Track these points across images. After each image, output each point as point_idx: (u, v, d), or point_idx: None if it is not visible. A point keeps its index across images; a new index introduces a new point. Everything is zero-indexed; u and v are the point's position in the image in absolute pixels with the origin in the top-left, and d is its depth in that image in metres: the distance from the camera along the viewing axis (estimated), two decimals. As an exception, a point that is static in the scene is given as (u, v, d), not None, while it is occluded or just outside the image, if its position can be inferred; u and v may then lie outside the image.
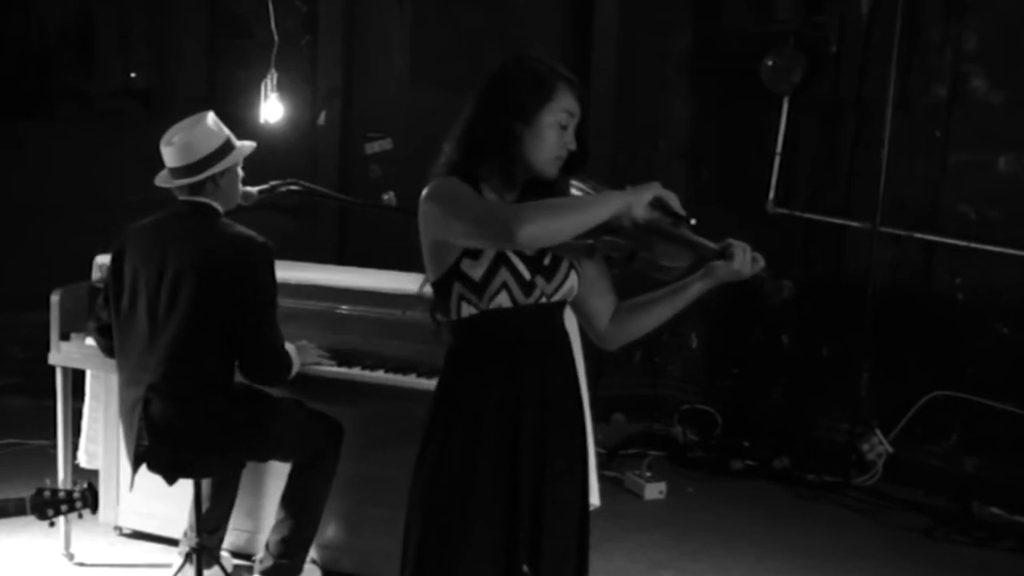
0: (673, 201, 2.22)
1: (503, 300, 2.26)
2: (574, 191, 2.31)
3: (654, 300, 2.40)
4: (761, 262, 2.27)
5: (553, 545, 2.37)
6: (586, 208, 2.17)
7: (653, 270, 2.28)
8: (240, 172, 3.37)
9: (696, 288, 2.34)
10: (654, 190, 2.20)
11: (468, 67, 5.49)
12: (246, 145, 3.37)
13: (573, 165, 2.34)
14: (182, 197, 3.30)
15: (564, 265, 2.32)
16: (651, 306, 2.41)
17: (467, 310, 2.29)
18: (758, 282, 2.28)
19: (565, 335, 2.44)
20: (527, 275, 2.27)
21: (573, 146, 2.31)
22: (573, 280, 2.35)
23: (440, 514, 2.33)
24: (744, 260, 2.25)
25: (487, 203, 2.25)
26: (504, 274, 2.26)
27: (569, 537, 2.42)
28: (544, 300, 2.31)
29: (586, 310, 2.45)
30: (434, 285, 2.33)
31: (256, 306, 3.21)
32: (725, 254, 2.26)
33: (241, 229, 3.25)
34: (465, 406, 2.33)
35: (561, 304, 2.37)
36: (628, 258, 2.28)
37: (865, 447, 4.91)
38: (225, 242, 3.23)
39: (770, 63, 5.13)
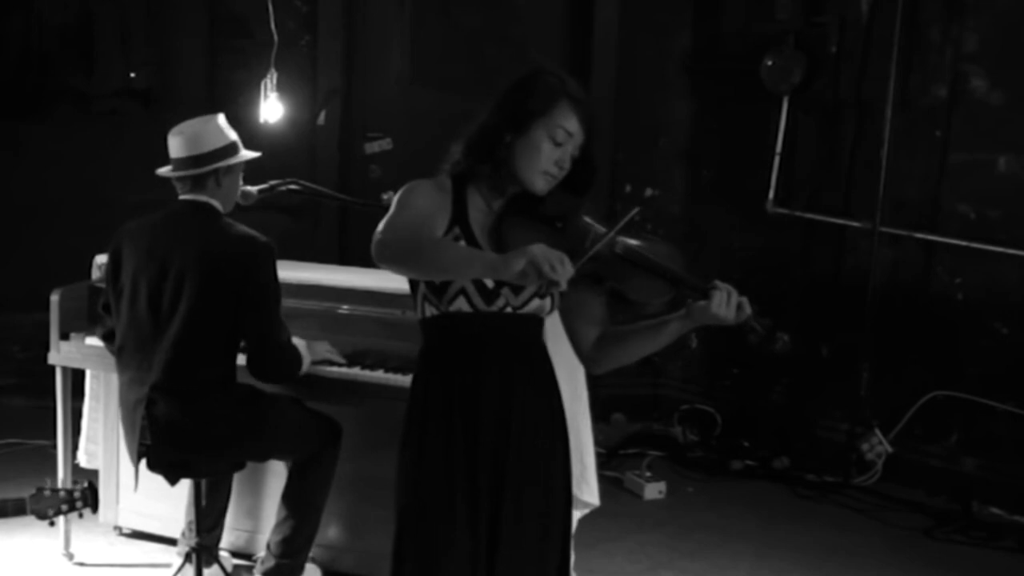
0: (551, 266, 1.98)
1: (462, 305, 2.27)
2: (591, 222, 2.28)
3: (633, 333, 2.36)
4: (747, 310, 2.23)
5: (515, 551, 2.34)
6: (450, 261, 2.14)
7: (622, 303, 2.24)
8: (241, 180, 3.38)
9: (674, 327, 2.28)
10: (527, 255, 1.98)
11: (468, 67, 5.50)
12: (250, 152, 3.38)
13: (578, 187, 2.32)
14: (183, 196, 3.30)
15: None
16: (629, 339, 2.36)
17: (429, 310, 2.32)
18: (746, 330, 2.24)
19: (538, 347, 2.41)
20: (490, 283, 2.27)
21: (566, 166, 2.28)
22: (542, 300, 2.32)
23: (418, 521, 2.35)
24: (723, 303, 2.19)
25: (398, 220, 2.23)
26: (463, 280, 2.25)
27: (543, 539, 2.39)
28: (510, 310, 2.30)
29: (570, 331, 2.44)
30: (409, 283, 2.36)
31: (261, 305, 3.21)
32: (706, 295, 2.20)
33: (244, 229, 3.25)
34: (433, 407, 2.34)
35: (532, 318, 2.34)
36: (595, 284, 2.25)
37: (865, 447, 4.92)
38: (229, 242, 3.22)
39: (770, 63, 5.13)
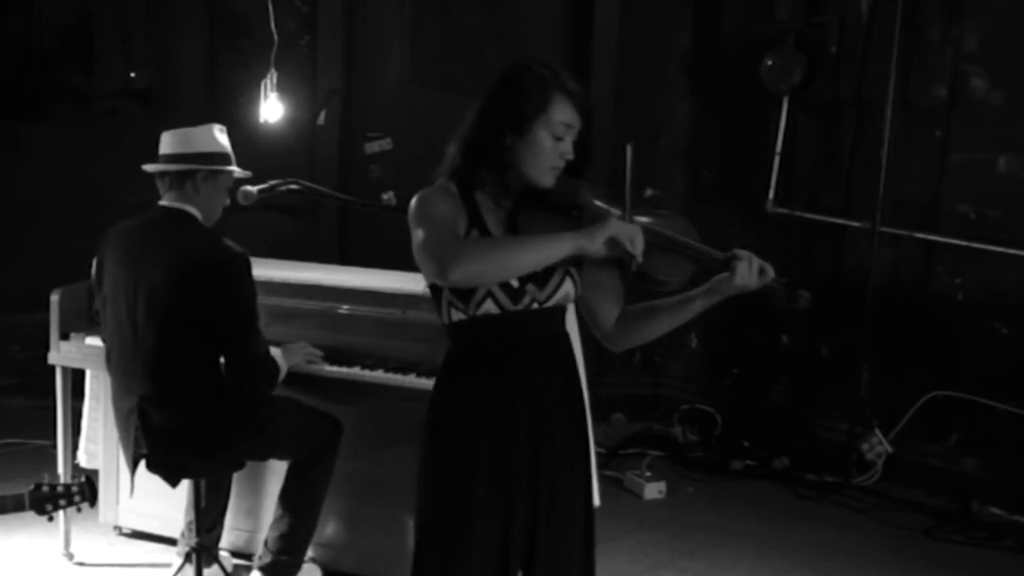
0: (631, 241, 2.13)
1: (490, 307, 2.26)
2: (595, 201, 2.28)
3: (657, 310, 2.37)
4: (770, 273, 2.22)
5: (551, 548, 2.36)
6: (533, 250, 2.14)
7: (648, 282, 2.24)
8: (226, 199, 3.35)
9: (699, 304, 2.29)
10: (609, 230, 2.13)
11: (468, 67, 5.49)
12: (239, 169, 3.37)
13: (575, 168, 2.31)
14: (162, 202, 3.29)
15: (558, 273, 2.30)
16: (653, 316, 2.37)
17: (456, 315, 2.29)
18: (768, 293, 2.23)
19: (564, 337, 2.42)
20: (515, 283, 2.26)
21: (570, 156, 2.28)
22: (568, 287, 2.32)
23: (440, 523, 2.32)
24: (748, 273, 2.20)
25: (442, 234, 2.19)
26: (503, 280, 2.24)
27: (572, 537, 2.41)
28: (536, 306, 2.30)
29: (591, 311, 2.43)
30: (430, 288, 2.33)
31: (236, 317, 3.19)
32: (729, 266, 2.20)
33: (218, 238, 3.23)
34: (460, 409, 2.32)
35: (558, 309, 2.36)
36: (621, 269, 2.25)
37: (865, 447, 4.92)
38: (203, 250, 3.21)
39: (770, 63, 5.13)
